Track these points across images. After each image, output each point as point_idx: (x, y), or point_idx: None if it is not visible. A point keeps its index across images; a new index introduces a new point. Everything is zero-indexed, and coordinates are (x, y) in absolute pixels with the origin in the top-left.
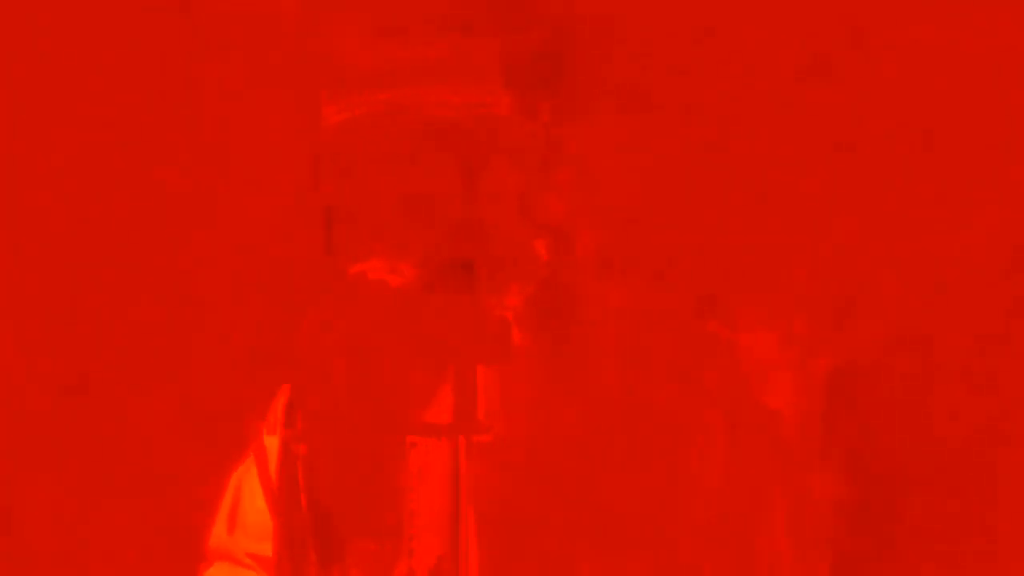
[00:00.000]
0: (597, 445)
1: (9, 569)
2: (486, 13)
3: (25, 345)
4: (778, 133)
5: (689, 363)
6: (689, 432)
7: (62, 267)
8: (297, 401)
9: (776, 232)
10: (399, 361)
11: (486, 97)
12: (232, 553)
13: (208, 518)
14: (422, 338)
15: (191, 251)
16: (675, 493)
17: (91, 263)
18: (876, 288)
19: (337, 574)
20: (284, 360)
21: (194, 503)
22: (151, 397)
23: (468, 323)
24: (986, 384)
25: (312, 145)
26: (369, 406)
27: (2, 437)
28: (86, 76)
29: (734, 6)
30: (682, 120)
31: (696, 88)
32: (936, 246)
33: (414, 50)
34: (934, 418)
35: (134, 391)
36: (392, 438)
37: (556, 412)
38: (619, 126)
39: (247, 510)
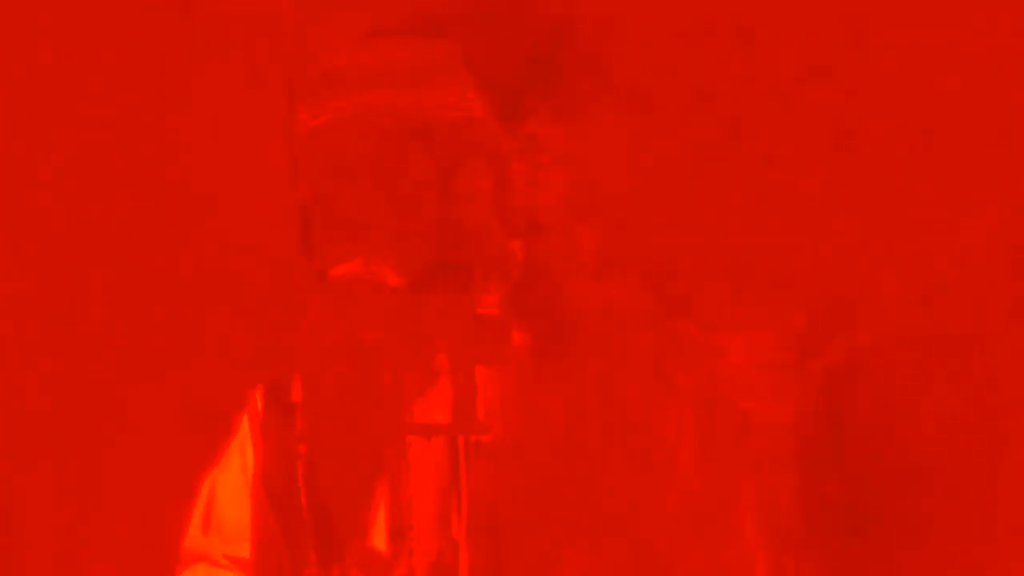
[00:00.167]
0: (578, 443)
1: (9, 569)
2: (463, 17)
3: (25, 345)
4: (778, 133)
5: (662, 363)
6: (661, 431)
7: (62, 267)
8: (297, 401)
9: (776, 232)
10: (398, 361)
11: (460, 100)
12: (209, 554)
13: (183, 520)
14: (420, 338)
15: (191, 251)
16: (648, 490)
17: (91, 263)
18: (876, 288)
19: (337, 574)
20: (281, 359)
21: (192, 503)
22: (151, 397)
23: (468, 324)
24: (986, 384)
25: (289, 149)
26: (368, 406)
27: (2, 437)
28: (86, 76)
29: (734, 7)
30: (682, 120)
31: (696, 88)
32: (936, 246)
33: (389, 54)
34: (933, 418)
35: (134, 391)
36: (391, 438)
37: (543, 411)
38: (619, 126)
39: (223, 511)
